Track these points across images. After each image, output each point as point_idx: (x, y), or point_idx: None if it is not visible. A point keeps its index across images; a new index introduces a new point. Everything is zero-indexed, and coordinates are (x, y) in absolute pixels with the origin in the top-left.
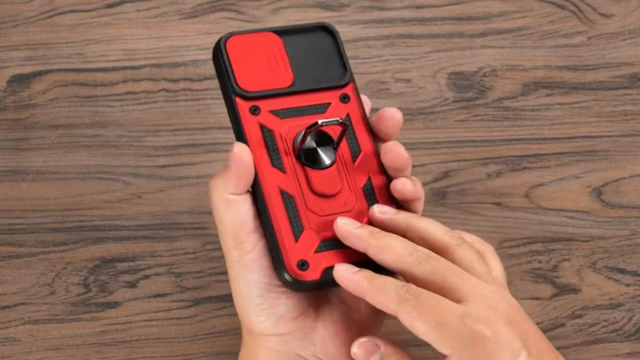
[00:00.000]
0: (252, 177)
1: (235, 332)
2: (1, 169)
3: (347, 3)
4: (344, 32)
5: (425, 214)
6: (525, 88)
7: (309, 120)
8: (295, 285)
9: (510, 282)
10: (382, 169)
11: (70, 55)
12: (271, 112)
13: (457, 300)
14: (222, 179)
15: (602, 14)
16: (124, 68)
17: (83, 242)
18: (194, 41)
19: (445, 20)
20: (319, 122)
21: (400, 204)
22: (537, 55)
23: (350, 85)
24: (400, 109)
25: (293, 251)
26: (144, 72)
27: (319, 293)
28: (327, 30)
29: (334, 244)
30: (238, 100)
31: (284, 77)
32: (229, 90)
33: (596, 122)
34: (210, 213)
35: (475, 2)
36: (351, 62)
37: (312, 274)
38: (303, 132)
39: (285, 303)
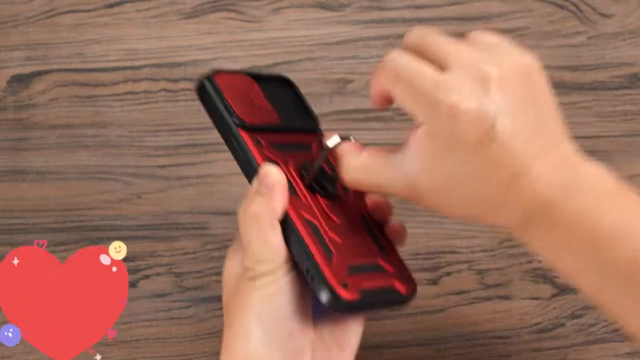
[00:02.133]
0: (287, 195)
1: None
2: (1, 169)
3: (347, 3)
4: (344, 32)
5: (423, 213)
6: None
7: (302, 156)
8: (343, 305)
9: (510, 282)
10: (365, 205)
11: (70, 55)
12: (271, 145)
13: (441, 69)
14: (264, 204)
15: (602, 14)
16: (124, 68)
17: (83, 242)
18: (194, 41)
19: (445, 20)
20: (329, 145)
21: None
22: (537, 55)
23: (319, 133)
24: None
25: (333, 272)
26: (144, 72)
27: (318, 333)
28: (287, 82)
29: (361, 269)
30: (242, 131)
31: (271, 115)
32: (229, 122)
33: (596, 122)
34: (210, 213)
35: (475, 2)
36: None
37: (353, 294)
38: (320, 156)
39: (303, 338)
